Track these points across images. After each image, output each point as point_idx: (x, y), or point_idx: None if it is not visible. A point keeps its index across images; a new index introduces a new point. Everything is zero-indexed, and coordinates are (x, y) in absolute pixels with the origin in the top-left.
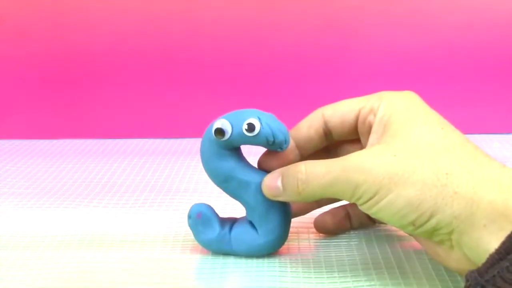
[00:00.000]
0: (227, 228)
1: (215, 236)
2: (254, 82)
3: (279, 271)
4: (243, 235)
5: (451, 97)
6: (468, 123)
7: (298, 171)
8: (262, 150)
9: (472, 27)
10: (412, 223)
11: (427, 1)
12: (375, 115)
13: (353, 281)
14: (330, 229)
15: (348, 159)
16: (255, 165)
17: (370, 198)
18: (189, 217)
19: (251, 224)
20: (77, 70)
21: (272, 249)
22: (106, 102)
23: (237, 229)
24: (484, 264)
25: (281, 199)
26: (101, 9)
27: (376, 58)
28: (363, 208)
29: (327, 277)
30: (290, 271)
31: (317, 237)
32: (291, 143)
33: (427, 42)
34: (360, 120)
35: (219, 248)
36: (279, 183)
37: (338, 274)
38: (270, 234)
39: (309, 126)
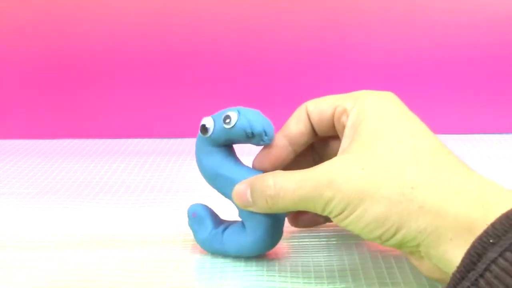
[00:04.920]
0: (221, 228)
1: (207, 234)
2: (253, 82)
3: (278, 270)
4: (233, 235)
5: (451, 97)
6: (468, 123)
7: (266, 186)
8: (256, 150)
9: (472, 27)
10: (379, 238)
11: (426, 0)
12: (347, 117)
13: (354, 286)
14: (302, 224)
15: (318, 172)
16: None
17: (340, 213)
18: (188, 216)
19: (244, 224)
20: (77, 70)
21: (261, 248)
22: (106, 102)
23: (229, 230)
24: (448, 286)
25: (252, 210)
26: (101, 9)
27: (376, 58)
28: (335, 221)
29: (327, 282)
30: (290, 271)
31: (318, 239)
32: (283, 141)
33: (426, 42)
34: (335, 118)
35: (211, 247)
36: (248, 196)
37: (339, 278)
38: (257, 230)
39: (297, 122)
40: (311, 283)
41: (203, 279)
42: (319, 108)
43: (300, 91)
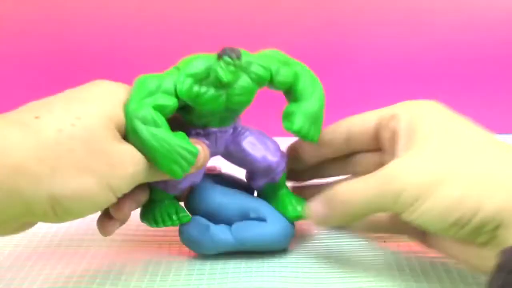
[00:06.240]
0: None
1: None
2: None
3: (279, 271)
4: (250, 228)
5: (451, 97)
6: None
7: (337, 193)
8: None
9: (472, 27)
10: (456, 223)
11: (426, 1)
12: (399, 121)
13: (353, 280)
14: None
15: (385, 171)
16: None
17: (412, 205)
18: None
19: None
20: (77, 70)
21: (284, 240)
22: None
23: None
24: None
25: (330, 224)
26: (101, 10)
27: (375, 58)
28: (405, 216)
29: (326, 277)
30: (290, 272)
31: (317, 239)
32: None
33: (426, 42)
34: (382, 125)
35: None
36: (323, 210)
37: (338, 274)
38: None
39: (333, 129)
40: (311, 283)
41: (204, 279)
42: (362, 117)
43: None
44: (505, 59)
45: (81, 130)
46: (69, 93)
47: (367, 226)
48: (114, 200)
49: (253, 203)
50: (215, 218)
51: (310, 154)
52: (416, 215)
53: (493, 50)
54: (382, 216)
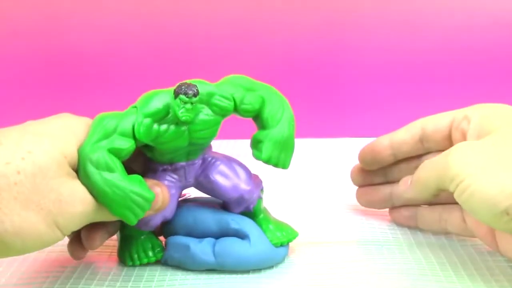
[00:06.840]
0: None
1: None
2: None
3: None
4: (230, 246)
5: (451, 97)
6: None
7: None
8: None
9: (471, 28)
10: (506, 212)
11: (426, 2)
12: (469, 122)
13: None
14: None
15: (448, 149)
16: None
17: (461, 182)
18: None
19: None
20: (77, 70)
21: (269, 262)
22: (106, 102)
23: (220, 243)
24: None
25: (410, 195)
26: (101, 11)
27: (374, 59)
28: (456, 196)
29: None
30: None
31: (316, 245)
32: (386, 142)
33: (426, 43)
34: (454, 126)
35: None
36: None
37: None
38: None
39: (406, 130)
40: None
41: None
42: (435, 118)
43: (298, 92)
44: (505, 60)
45: (29, 165)
46: (27, 125)
47: (439, 225)
48: (61, 238)
49: (232, 214)
50: (194, 232)
51: (386, 154)
52: (465, 197)
53: (492, 50)
54: (456, 214)
